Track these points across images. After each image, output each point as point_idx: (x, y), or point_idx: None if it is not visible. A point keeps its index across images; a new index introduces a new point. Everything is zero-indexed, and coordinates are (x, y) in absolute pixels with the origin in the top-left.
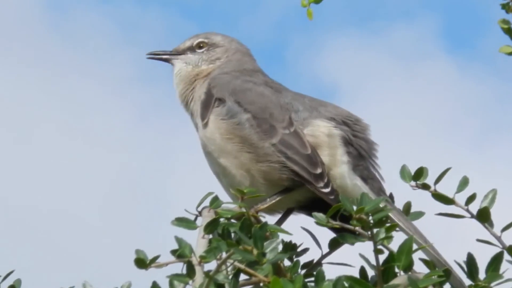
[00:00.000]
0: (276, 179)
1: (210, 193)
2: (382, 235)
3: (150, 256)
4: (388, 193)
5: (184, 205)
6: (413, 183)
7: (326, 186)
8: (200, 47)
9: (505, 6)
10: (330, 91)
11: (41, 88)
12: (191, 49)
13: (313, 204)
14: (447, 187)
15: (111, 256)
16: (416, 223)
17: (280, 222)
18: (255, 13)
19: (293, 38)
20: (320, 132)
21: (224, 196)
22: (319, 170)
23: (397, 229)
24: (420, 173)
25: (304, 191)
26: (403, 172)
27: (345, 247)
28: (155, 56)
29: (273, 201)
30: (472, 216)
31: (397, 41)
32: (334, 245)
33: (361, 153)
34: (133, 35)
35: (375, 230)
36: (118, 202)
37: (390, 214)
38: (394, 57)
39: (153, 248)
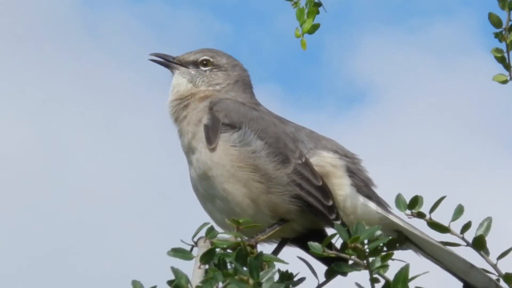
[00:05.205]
0: (283, 211)
1: (205, 224)
2: (378, 264)
3: (147, 286)
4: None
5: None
6: (408, 211)
7: (337, 218)
8: (204, 65)
9: (498, 35)
10: (365, 90)
11: (73, 86)
12: (195, 64)
13: (308, 235)
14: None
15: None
16: None
17: (276, 252)
18: (290, 12)
19: (328, 38)
20: (326, 162)
21: (208, 219)
22: (331, 202)
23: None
24: (415, 202)
25: (303, 221)
26: (398, 201)
27: (342, 276)
28: (157, 58)
29: (273, 231)
30: (468, 244)
31: (434, 38)
32: (330, 274)
33: (364, 181)
34: (164, 35)
35: (370, 259)
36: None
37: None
38: (431, 54)
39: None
